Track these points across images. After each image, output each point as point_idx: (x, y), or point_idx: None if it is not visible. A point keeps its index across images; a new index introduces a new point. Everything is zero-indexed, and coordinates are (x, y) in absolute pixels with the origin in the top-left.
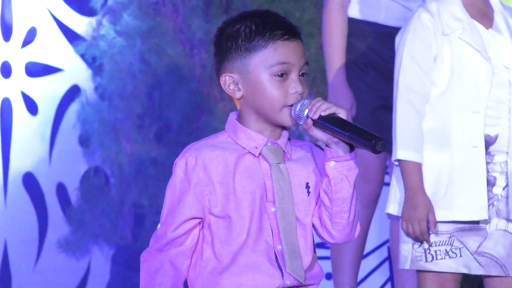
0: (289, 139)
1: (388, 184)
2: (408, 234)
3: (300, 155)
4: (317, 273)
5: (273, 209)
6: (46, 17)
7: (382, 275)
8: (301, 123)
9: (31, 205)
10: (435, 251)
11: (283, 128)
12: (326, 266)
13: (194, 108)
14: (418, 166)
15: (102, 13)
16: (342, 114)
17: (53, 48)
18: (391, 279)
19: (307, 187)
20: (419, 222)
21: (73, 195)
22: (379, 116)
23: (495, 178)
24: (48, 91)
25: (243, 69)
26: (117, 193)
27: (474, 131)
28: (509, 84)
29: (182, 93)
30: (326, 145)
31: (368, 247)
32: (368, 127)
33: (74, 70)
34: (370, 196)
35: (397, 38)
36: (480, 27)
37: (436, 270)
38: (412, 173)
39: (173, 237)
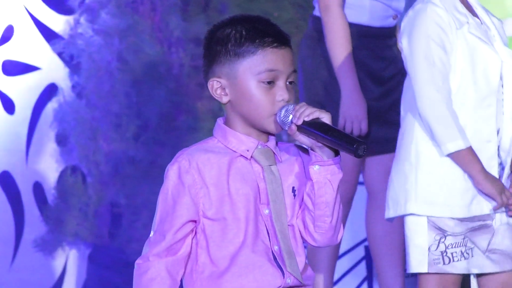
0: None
1: (362, 184)
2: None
3: (287, 157)
4: (311, 274)
5: (266, 211)
6: (23, 16)
7: (358, 275)
8: (286, 128)
9: (7, 204)
10: (452, 253)
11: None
12: None
13: (172, 107)
14: (471, 150)
15: (80, 11)
16: (326, 119)
17: (30, 47)
18: (367, 278)
19: (293, 190)
20: (500, 194)
21: (50, 194)
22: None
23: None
24: (25, 90)
25: (231, 74)
26: (94, 192)
27: (488, 125)
28: (501, 77)
29: (160, 91)
30: (311, 149)
31: (343, 248)
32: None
33: (52, 69)
34: (344, 197)
35: (403, 35)
36: (477, 21)
37: (454, 272)
38: (470, 159)
39: (171, 243)
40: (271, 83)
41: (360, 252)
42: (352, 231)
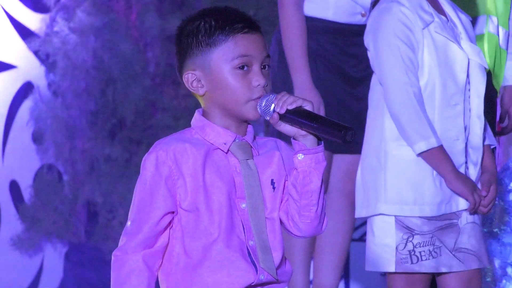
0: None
1: None
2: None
3: (265, 151)
4: (288, 270)
5: (243, 205)
6: None
7: None
8: (268, 118)
9: None
10: (420, 252)
11: (248, 123)
12: None
13: (148, 105)
14: (442, 149)
15: (56, 9)
16: (309, 107)
17: (6, 45)
18: (343, 277)
19: (272, 182)
20: (473, 194)
21: (26, 192)
22: (340, 106)
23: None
24: (1, 88)
25: (205, 65)
26: (70, 191)
27: (455, 124)
28: (467, 75)
29: (135, 90)
30: (293, 138)
31: None
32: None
33: (27, 67)
34: None
35: (368, 34)
36: (444, 19)
37: (422, 271)
38: (441, 158)
39: (148, 235)
40: (245, 68)
41: None
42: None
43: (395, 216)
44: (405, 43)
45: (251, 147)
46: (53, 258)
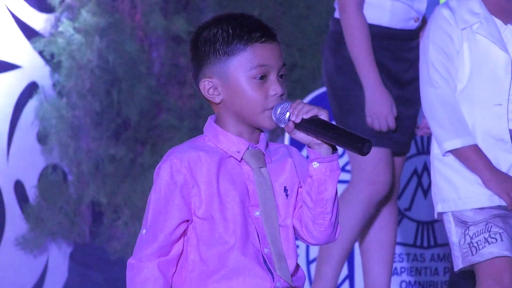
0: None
1: (345, 182)
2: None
3: (277, 158)
4: (301, 275)
5: (257, 213)
6: (4, 14)
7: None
8: (283, 126)
9: None
10: (477, 242)
11: (261, 131)
12: None
13: (153, 105)
14: (474, 148)
15: (61, 10)
16: (324, 116)
17: (11, 45)
18: (349, 277)
19: (285, 190)
20: (509, 193)
21: (31, 192)
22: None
23: None
24: (6, 88)
25: (222, 73)
26: (75, 191)
27: (499, 124)
28: None
29: (140, 90)
30: (308, 146)
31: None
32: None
33: (32, 67)
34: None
35: (422, 39)
36: (498, 21)
37: (481, 260)
38: (471, 158)
39: (163, 244)
40: (263, 78)
41: None
42: None
43: (451, 212)
44: (439, 46)
45: (264, 154)
46: (57, 258)
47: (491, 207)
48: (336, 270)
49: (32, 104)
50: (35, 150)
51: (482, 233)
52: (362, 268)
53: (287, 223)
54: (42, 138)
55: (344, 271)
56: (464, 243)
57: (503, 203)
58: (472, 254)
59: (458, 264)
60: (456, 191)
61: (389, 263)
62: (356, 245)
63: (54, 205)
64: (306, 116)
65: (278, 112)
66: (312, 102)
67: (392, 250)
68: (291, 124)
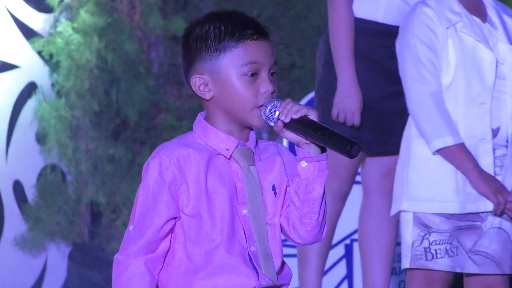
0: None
1: (358, 183)
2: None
3: (267, 156)
4: (287, 273)
5: (244, 211)
6: (3, 14)
7: (338, 274)
8: (272, 124)
9: None
10: (435, 250)
11: (250, 129)
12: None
13: (152, 105)
14: (462, 146)
15: (59, 10)
16: (313, 116)
17: (9, 45)
18: (347, 277)
19: (274, 188)
20: (496, 194)
21: (30, 192)
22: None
23: (495, 172)
24: (4, 88)
25: (214, 70)
26: (74, 191)
27: (482, 123)
28: (504, 77)
29: (139, 90)
30: (297, 146)
31: None
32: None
33: (31, 67)
34: (337, 193)
35: (398, 37)
36: (477, 20)
37: (436, 268)
38: (460, 157)
39: (150, 241)
40: (254, 75)
41: (340, 250)
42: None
43: (413, 212)
44: (425, 43)
45: (253, 153)
46: (56, 258)
47: (459, 216)
48: (316, 272)
49: (30, 104)
50: (34, 150)
51: (444, 243)
52: (361, 268)
53: (275, 221)
54: (41, 138)
55: (343, 271)
56: (419, 246)
57: (473, 210)
58: (427, 259)
59: (406, 263)
60: (431, 193)
61: (389, 263)
62: (356, 245)
63: (53, 205)
64: (295, 116)
65: (267, 111)
66: (311, 102)
67: (391, 250)
68: (280, 123)
